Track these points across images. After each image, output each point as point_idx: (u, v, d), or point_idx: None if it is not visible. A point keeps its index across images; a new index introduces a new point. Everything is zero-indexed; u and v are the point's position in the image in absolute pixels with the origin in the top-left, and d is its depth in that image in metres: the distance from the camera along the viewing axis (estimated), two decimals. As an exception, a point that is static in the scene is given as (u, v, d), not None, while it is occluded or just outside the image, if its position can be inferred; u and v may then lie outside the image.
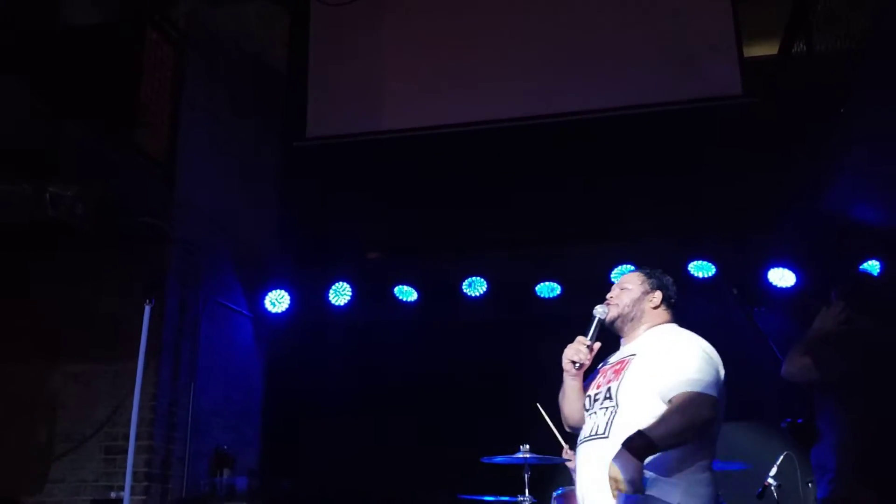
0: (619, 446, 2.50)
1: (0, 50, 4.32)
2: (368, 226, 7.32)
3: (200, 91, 6.05)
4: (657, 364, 2.69)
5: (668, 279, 3.02)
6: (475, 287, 6.70)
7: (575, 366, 2.86)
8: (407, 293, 6.80)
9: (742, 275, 6.17)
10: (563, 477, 5.12)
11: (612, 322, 2.93)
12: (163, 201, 5.56)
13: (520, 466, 4.69)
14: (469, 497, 4.91)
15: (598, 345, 2.91)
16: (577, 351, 2.86)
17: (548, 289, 6.65)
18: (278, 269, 6.87)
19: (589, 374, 2.96)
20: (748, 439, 5.59)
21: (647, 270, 3.05)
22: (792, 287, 6.01)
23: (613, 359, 2.92)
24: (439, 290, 6.81)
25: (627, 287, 2.98)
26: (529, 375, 6.43)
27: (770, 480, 4.68)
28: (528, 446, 4.65)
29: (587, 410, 2.84)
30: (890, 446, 3.27)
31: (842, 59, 4.90)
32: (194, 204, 5.90)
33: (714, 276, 6.23)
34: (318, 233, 7.41)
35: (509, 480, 4.82)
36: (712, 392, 2.58)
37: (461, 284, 6.69)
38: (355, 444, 6.52)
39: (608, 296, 3.01)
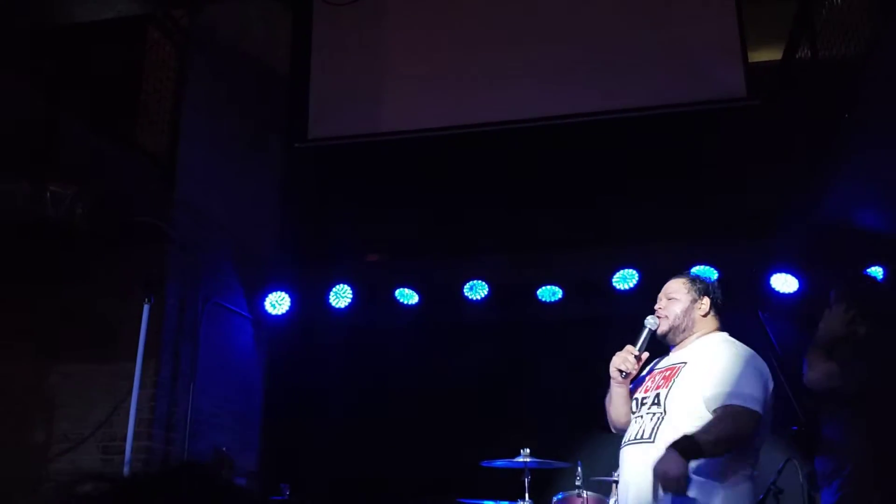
0: (663, 451, 2.58)
1: (0, 47, 4.30)
2: (369, 228, 7.29)
3: (202, 90, 6.03)
4: (707, 374, 2.73)
5: (714, 282, 3.03)
6: (476, 290, 6.67)
7: (621, 374, 2.89)
8: (408, 296, 6.77)
9: (745, 280, 6.14)
10: (563, 481, 5.09)
11: (664, 335, 2.95)
12: (163, 201, 5.54)
13: (520, 470, 4.67)
14: (469, 501, 4.88)
15: (646, 355, 2.95)
16: (625, 360, 2.89)
17: (549, 292, 6.62)
18: (278, 270, 6.85)
19: (636, 378, 2.98)
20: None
21: (691, 276, 3.06)
22: (795, 293, 5.98)
23: (663, 364, 2.94)
24: (440, 293, 6.79)
25: (675, 297, 2.98)
26: (530, 379, 6.43)
27: (772, 486, 4.66)
28: (528, 450, 4.64)
29: (634, 413, 2.88)
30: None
31: (846, 65, 4.88)
32: (194, 204, 5.88)
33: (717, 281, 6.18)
34: (319, 234, 7.39)
35: (509, 484, 4.80)
36: (756, 408, 2.63)
37: (462, 287, 6.66)
38: (355, 447, 6.49)
39: (657, 307, 3.01)
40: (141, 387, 5.09)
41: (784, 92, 6.40)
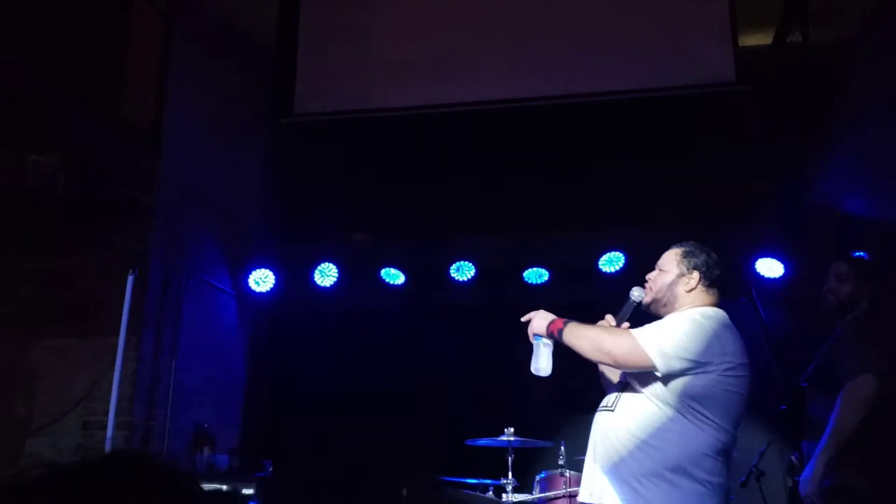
0: (623, 419, 2.59)
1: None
2: (356, 206, 7.25)
3: (188, 64, 5.95)
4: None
5: (709, 257, 2.83)
6: (463, 271, 6.66)
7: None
8: (394, 276, 6.75)
9: (731, 264, 6.15)
10: (546, 460, 5.10)
11: (648, 307, 2.85)
12: (147, 174, 5.47)
13: (503, 449, 4.68)
14: (452, 479, 4.89)
15: (626, 325, 2.86)
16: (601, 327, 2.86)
17: (536, 275, 6.62)
18: (263, 247, 6.80)
19: None
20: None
21: (687, 248, 2.88)
22: (780, 277, 6.00)
23: None
24: (427, 274, 6.77)
25: (665, 268, 2.86)
26: (515, 361, 6.40)
27: (754, 469, 4.69)
28: (512, 429, 4.65)
29: (613, 383, 2.86)
30: (881, 433, 3.26)
31: (836, 51, 4.88)
32: (179, 178, 5.81)
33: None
34: (305, 212, 7.34)
35: (493, 463, 4.81)
36: (655, 358, 2.52)
37: (449, 268, 6.65)
38: (338, 426, 6.48)
39: (647, 276, 2.91)
40: (123, 361, 5.05)
41: (774, 76, 6.40)
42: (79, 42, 5.05)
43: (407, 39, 6.99)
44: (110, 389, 4.93)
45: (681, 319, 2.65)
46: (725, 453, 2.55)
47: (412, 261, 6.80)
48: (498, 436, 4.66)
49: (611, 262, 6.40)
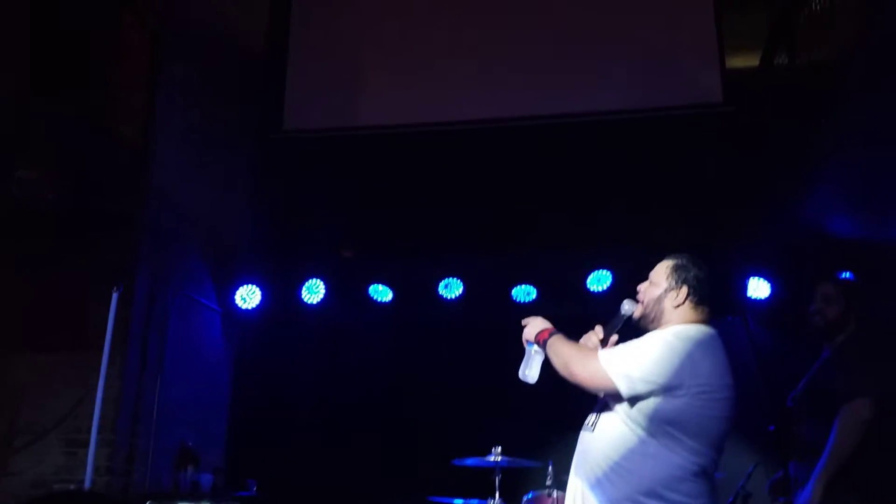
0: (600, 440, 2.55)
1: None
2: (344, 222, 7.23)
3: (176, 77, 5.93)
4: None
5: (700, 272, 2.72)
6: (451, 289, 6.64)
7: None
8: (381, 293, 6.72)
9: (718, 284, 6.16)
10: (534, 480, 5.07)
11: (638, 321, 2.78)
12: (134, 189, 5.43)
13: (490, 469, 4.64)
14: (439, 500, 4.85)
15: (614, 338, 2.80)
16: (586, 341, 2.81)
17: (523, 292, 6.61)
18: (250, 263, 6.76)
19: None
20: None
21: (679, 261, 2.77)
22: (768, 297, 6.01)
23: None
24: (414, 291, 6.75)
25: (655, 281, 2.78)
26: (503, 379, 6.37)
27: (741, 490, 4.68)
28: (499, 449, 4.62)
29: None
30: (884, 458, 3.26)
31: (823, 73, 4.92)
32: (166, 193, 5.77)
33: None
34: (292, 228, 7.31)
35: (480, 483, 4.77)
36: (620, 381, 2.49)
37: (437, 285, 6.63)
38: (324, 445, 6.43)
39: (639, 287, 2.83)
40: (106, 378, 4.99)
41: (761, 97, 6.45)
42: (67, 55, 5.03)
43: (396, 58, 7.02)
44: (93, 407, 4.86)
45: (653, 340, 2.58)
46: (704, 474, 2.48)
47: (400, 278, 6.78)
48: (485, 455, 4.63)
49: (598, 280, 6.40)
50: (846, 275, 5.56)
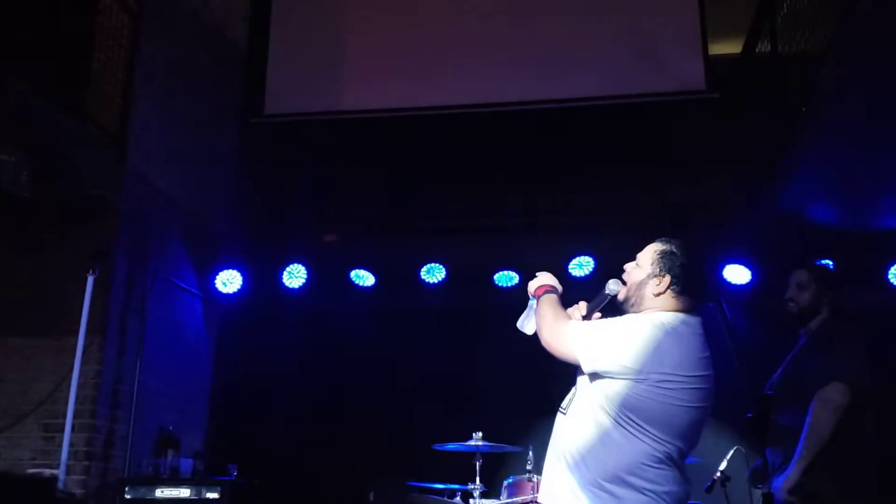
0: (571, 425, 2.56)
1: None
2: (325, 207, 7.21)
3: (156, 62, 5.87)
4: None
5: (687, 260, 2.62)
6: (433, 273, 6.64)
7: None
8: (363, 278, 6.71)
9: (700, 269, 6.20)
10: (514, 465, 5.10)
11: (621, 303, 2.72)
12: (112, 172, 5.38)
13: (471, 454, 4.66)
14: (418, 484, 4.87)
15: (596, 315, 2.77)
16: (571, 313, 2.78)
17: (506, 278, 6.62)
18: (231, 248, 6.73)
19: None
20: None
21: (667, 247, 2.67)
22: (747, 284, 6.06)
23: None
24: (397, 276, 6.74)
25: (640, 263, 2.71)
26: (484, 364, 6.42)
27: (719, 474, 4.72)
28: (480, 434, 4.64)
29: None
30: (856, 443, 3.30)
31: (804, 60, 4.94)
32: (145, 177, 5.73)
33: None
34: (274, 212, 7.28)
35: (460, 468, 4.79)
36: (582, 341, 2.53)
37: (419, 270, 6.63)
38: (305, 429, 6.43)
39: (625, 266, 2.75)
40: (85, 363, 4.96)
41: (743, 84, 6.47)
42: (44, 38, 4.95)
43: (379, 41, 6.98)
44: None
45: (625, 323, 2.58)
46: (670, 461, 2.45)
47: (382, 262, 6.77)
48: (466, 440, 4.65)
49: (580, 265, 6.42)
50: (825, 262, 5.63)
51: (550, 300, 2.75)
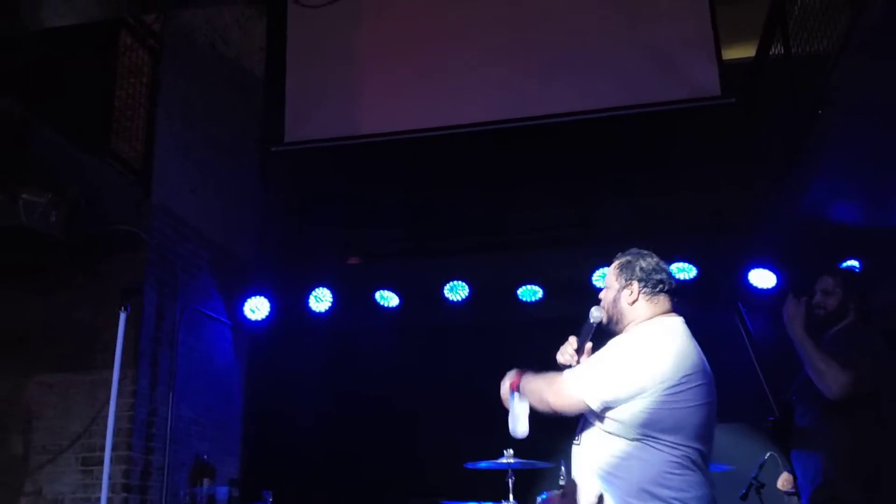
0: (587, 454, 2.57)
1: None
2: (348, 231, 7.27)
3: (176, 96, 5.98)
4: None
5: (648, 262, 2.73)
6: (456, 291, 6.67)
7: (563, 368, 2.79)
8: (387, 298, 6.75)
9: (723, 276, 6.18)
10: (547, 481, 5.09)
11: (607, 325, 2.78)
12: (138, 208, 5.49)
13: (503, 471, 4.66)
14: (452, 503, 4.87)
15: (589, 345, 2.80)
16: (562, 353, 2.81)
17: (530, 293, 6.63)
18: (257, 275, 6.81)
19: None
20: (730, 440, 5.60)
21: (623, 258, 2.80)
22: (773, 288, 6.02)
23: None
24: (420, 295, 6.77)
25: (608, 285, 2.81)
26: (512, 380, 6.41)
27: (754, 481, 4.68)
28: (511, 451, 4.64)
29: None
30: (882, 451, 3.27)
31: (819, 61, 4.92)
32: (171, 210, 5.83)
33: (695, 277, 6.24)
34: (298, 238, 7.35)
35: (493, 486, 4.80)
36: (584, 389, 2.51)
37: (442, 289, 6.66)
38: (337, 452, 6.46)
39: (600, 295, 2.84)
40: (119, 396, 5.04)
41: (758, 88, 6.45)
42: (67, 78, 5.08)
43: (394, 65, 7.04)
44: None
45: (613, 349, 2.60)
46: (693, 465, 2.48)
47: (406, 282, 6.81)
48: (497, 458, 4.65)
49: (604, 277, 6.40)
50: (851, 264, 5.59)
51: (531, 376, 2.76)
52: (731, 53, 6.94)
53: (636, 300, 2.69)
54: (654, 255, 2.78)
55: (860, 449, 3.24)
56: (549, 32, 6.87)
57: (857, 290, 3.63)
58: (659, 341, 2.56)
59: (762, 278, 6.06)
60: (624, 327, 2.71)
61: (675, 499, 2.43)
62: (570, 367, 2.75)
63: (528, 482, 5.16)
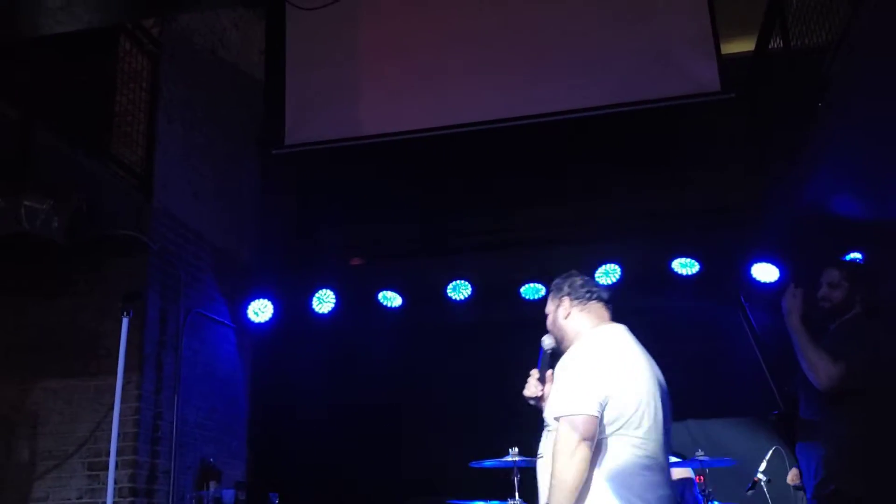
0: (549, 466, 2.58)
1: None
2: (350, 232, 7.28)
3: (176, 100, 5.99)
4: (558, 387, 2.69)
5: (574, 280, 2.88)
6: (459, 290, 6.67)
7: (531, 401, 2.92)
8: (391, 299, 6.75)
9: (726, 271, 6.18)
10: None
11: (559, 348, 2.88)
12: (140, 212, 5.50)
13: (509, 470, 4.66)
14: (458, 502, 4.87)
15: (549, 372, 2.90)
16: (528, 387, 2.93)
17: (533, 290, 6.63)
18: (260, 277, 6.81)
19: None
20: (735, 435, 5.59)
21: (553, 284, 2.96)
22: (776, 282, 6.01)
23: None
24: (423, 295, 6.78)
25: (547, 311, 2.94)
26: (516, 377, 6.40)
27: (759, 476, 4.68)
28: (516, 449, 4.64)
29: None
30: (883, 444, 3.26)
31: (818, 54, 4.91)
32: (173, 214, 5.84)
33: (698, 273, 6.23)
34: (300, 240, 7.36)
35: (499, 484, 4.80)
36: (578, 410, 2.51)
37: (445, 288, 6.66)
38: (342, 452, 6.46)
39: (547, 323, 2.96)
40: (124, 401, 5.03)
41: (758, 82, 6.44)
42: (68, 84, 5.09)
43: (393, 65, 7.05)
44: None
45: (566, 380, 2.64)
46: (656, 466, 2.54)
47: (409, 282, 6.81)
48: (503, 456, 4.65)
49: (607, 273, 6.41)
50: (855, 256, 5.57)
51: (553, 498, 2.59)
52: (729, 48, 6.93)
53: (569, 314, 2.83)
54: (582, 275, 2.94)
55: (861, 442, 3.24)
56: (549, 30, 6.87)
57: (863, 283, 3.63)
58: (593, 356, 2.64)
59: (765, 272, 6.05)
60: (570, 343, 2.80)
61: (639, 497, 2.49)
62: (538, 398, 2.87)
63: (534, 480, 5.14)
